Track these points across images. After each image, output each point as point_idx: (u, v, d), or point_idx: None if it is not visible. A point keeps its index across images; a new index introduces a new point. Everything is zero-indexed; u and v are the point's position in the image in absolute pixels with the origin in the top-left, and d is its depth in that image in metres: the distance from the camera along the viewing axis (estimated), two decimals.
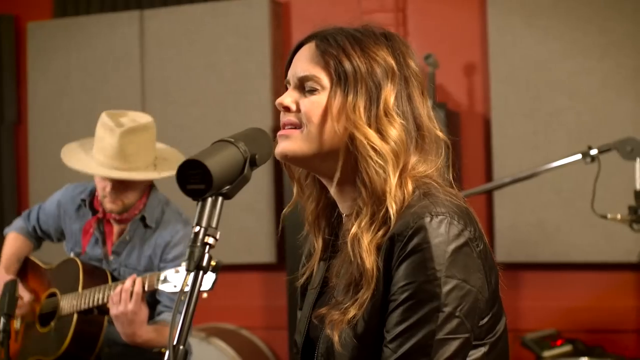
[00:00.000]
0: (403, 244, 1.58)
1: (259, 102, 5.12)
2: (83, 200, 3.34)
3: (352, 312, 1.62)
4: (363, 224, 1.65)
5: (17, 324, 3.35)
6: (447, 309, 1.55)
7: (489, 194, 4.66)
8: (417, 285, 1.56)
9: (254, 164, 1.56)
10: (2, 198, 5.70)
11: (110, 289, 3.02)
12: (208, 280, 2.80)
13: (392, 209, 1.62)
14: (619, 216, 3.37)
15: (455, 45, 4.99)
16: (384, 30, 1.76)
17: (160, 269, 3.12)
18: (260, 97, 5.12)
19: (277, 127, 4.99)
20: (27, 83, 5.60)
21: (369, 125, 1.66)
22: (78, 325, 3.13)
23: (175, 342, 1.41)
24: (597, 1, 4.63)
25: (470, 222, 1.63)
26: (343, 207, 1.77)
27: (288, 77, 1.76)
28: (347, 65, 1.68)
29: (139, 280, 2.96)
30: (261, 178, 5.00)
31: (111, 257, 3.26)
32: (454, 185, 1.74)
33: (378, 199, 1.64)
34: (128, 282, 2.96)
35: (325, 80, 1.69)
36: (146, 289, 2.95)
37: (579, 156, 3.39)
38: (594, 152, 3.37)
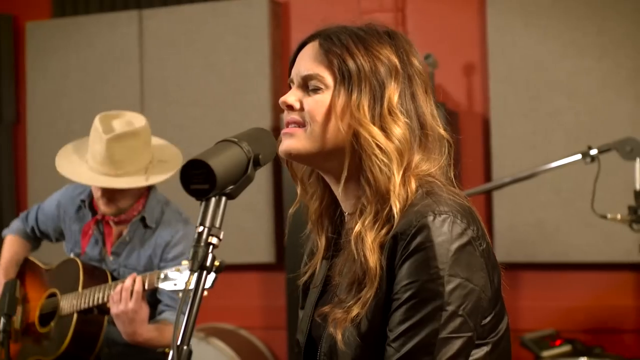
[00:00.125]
0: (406, 242, 1.58)
1: (258, 102, 5.11)
2: (83, 201, 3.34)
3: (355, 311, 1.62)
4: (367, 222, 1.65)
5: (16, 324, 3.35)
6: (450, 308, 1.55)
7: (488, 194, 4.66)
8: (420, 284, 1.56)
9: (257, 163, 1.56)
10: (1, 198, 5.69)
11: (111, 288, 3.01)
12: (208, 278, 2.79)
13: (396, 207, 1.62)
14: (618, 216, 3.37)
15: (454, 45, 4.99)
16: (388, 28, 1.76)
17: (161, 269, 3.12)
18: (260, 97, 5.12)
19: (276, 127, 5.02)
20: (25, 83, 5.60)
21: (373, 124, 1.66)
22: (78, 325, 3.13)
23: (179, 342, 1.41)
24: (596, 1, 4.63)
25: (473, 221, 1.63)
26: (346, 206, 1.77)
27: (291, 76, 1.76)
28: (351, 64, 1.68)
29: (139, 279, 2.95)
30: (260, 178, 4.99)
31: (111, 258, 3.25)
32: (455, 184, 1.74)
33: (382, 197, 1.64)
34: (128, 281, 2.95)
35: (329, 79, 1.70)
36: (146, 287, 2.95)
37: (578, 156, 3.40)
38: (593, 152, 3.38)
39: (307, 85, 1.72)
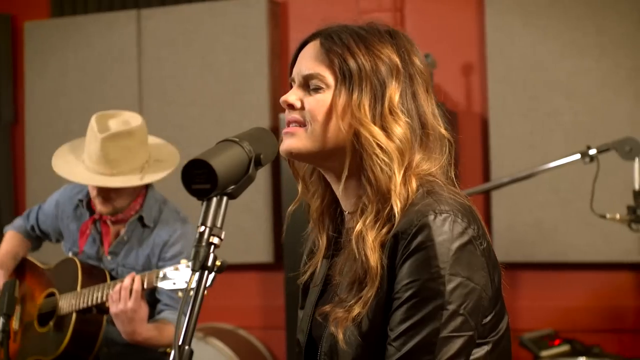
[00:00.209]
0: (407, 241, 1.58)
1: (256, 102, 5.11)
2: (80, 201, 3.34)
3: (356, 310, 1.62)
4: (368, 221, 1.65)
5: (15, 324, 3.35)
6: (451, 307, 1.55)
7: (486, 193, 4.66)
8: (421, 283, 1.56)
9: (258, 163, 1.57)
10: None
11: (109, 288, 3.02)
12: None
13: (397, 206, 1.62)
14: (617, 216, 3.37)
15: (452, 45, 4.99)
16: (389, 27, 1.76)
17: (159, 268, 3.12)
18: (258, 97, 5.12)
19: (275, 127, 5.02)
20: (24, 83, 5.59)
21: (374, 123, 1.66)
22: (77, 325, 3.12)
23: (180, 342, 1.41)
24: (595, 1, 4.63)
25: (474, 220, 1.63)
26: (346, 205, 1.77)
27: (293, 75, 1.76)
28: (352, 63, 1.68)
29: (138, 278, 2.96)
30: (259, 178, 4.93)
31: (109, 258, 3.25)
32: (456, 184, 1.74)
33: (383, 196, 1.65)
34: (127, 280, 2.96)
35: (329, 78, 1.70)
36: (145, 286, 2.95)
37: (577, 156, 3.40)
38: (592, 152, 3.38)
39: (308, 84, 1.72)
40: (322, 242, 1.84)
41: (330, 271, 1.78)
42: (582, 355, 4.15)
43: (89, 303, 3.08)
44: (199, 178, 1.48)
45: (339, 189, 1.76)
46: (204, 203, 1.49)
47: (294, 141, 1.71)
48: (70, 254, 3.34)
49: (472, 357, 1.61)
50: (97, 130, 3.14)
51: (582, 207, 3.80)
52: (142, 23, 5.32)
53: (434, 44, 4.88)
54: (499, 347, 1.67)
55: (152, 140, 3.36)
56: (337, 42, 1.70)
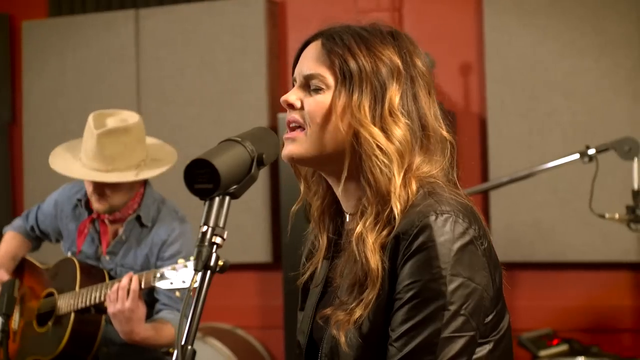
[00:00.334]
0: (408, 242, 1.58)
1: (255, 102, 5.11)
2: (79, 200, 3.34)
3: (357, 313, 1.62)
4: (368, 223, 1.65)
5: (15, 324, 3.35)
6: (452, 307, 1.55)
7: (484, 193, 4.66)
8: (422, 284, 1.56)
9: (261, 163, 1.57)
10: None
11: (107, 287, 3.01)
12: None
13: (397, 208, 1.62)
14: (617, 216, 3.38)
15: (451, 45, 4.99)
16: (392, 28, 1.75)
17: (157, 268, 3.12)
18: (257, 97, 5.11)
19: (273, 127, 5.01)
20: (22, 82, 5.59)
21: (374, 125, 1.66)
22: (75, 325, 3.12)
23: (183, 342, 1.41)
24: (593, 1, 4.63)
25: (475, 221, 1.63)
26: (347, 206, 1.77)
27: (294, 75, 1.76)
28: (352, 64, 1.68)
29: (135, 278, 2.96)
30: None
31: (107, 257, 3.25)
32: (458, 186, 1.74)
33: (383, 198, 1.64)
34: (125, 280, 2.96)
35: (330, 79, 1.70)
36: (143, 286, 2.95)
37: (576, 156, 3.40)
38: (591, 151, 3.38)
39: (309, 84, 1.72)
40: (323, 242, 1.83)
41: (330, 273, 1.78)
42: (580, 354, 4.15)
43: (87, 303, 3.08)
44: (201, 178, 1.48)
45: (339, 191, 1.76)
46: (206, 203, 1.49)
47: (294, 146, 1.72)
48: (69, 254, 3.34)
49: (474, 357, 1.61)
50: (94, 126, 3.15)
51: (581, 207, 3.80)
52: (140, 23, 5.32)
53: (433, 44, 4.88)
54: (500, 346, 1.67)
55: (150, 140, 3.37)
56: (339, 43, 1.70)
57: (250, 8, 5.14)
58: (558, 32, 4.68)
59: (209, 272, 1.46)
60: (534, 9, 4.71)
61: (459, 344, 1.56)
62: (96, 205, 3.21)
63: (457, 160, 1.79)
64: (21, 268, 3.48)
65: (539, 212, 4.67)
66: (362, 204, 1.68)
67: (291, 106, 1.73)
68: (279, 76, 5.26)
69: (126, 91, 5.31)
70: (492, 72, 4.78)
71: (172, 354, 1.29)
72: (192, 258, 2.90)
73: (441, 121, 1.74)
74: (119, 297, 2.94)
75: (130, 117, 3.24)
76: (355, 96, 1.67)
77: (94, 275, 3.20)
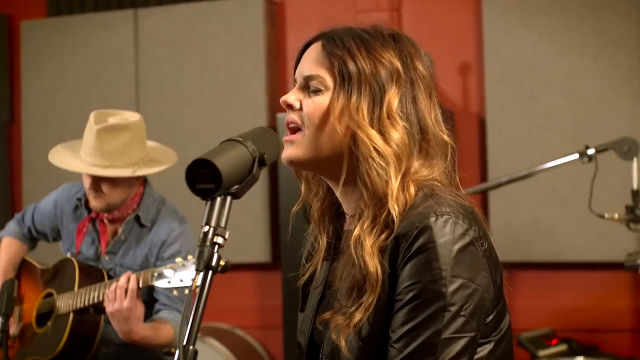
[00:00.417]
0: (408, 243, 1.58)
1: (253, 102, 5.11)
2: (79, 200, 3.34)
3: (357, 317, 1.62)
4: (365, 226, 1.65)
5: (14, 324, 3.34)
6: (452, 309, 1.55)
7: (484, 193, 4.66)
8: (422, 285, 1.56)
9: (262, 163, 1.57)
10: None
11: (106, 287, 3.01)
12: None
13: (394, 211, 1.62)
14: (616, 215, 3.38)
15: (450, 44, 5.00)
16: (393, 31, 1.75)
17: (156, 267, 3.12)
18: (255, 97, 5.11)
19: (272, 127, 5.01)
20: (20, 82, 5.58)
21: (372, 127, 1.65)
22: (74, 325, 3.12)
23: (185, 342, 1.41)
24: (593, 1, 4.63)
25: (475, 222, 1.63)
26: (347, 208, 1.77)
27: (295, 76, 1.76)
28: (352, 66, 1.68)
29: (133, 277, 2.95)
30: None
31: (106, 257, 3.25)
32: (460, 188, 1.74)
33: (380, 200, 1.64)
34: (122, 279, 2.96)
35: (329, 80, 1.69)
36: (140, 285, 2.95)
37: (576, 156, 3.40)
38: (591, 151, 3.38)
39: (309, 85, 1.72)
40: (322, 243, 1.83)
41: (330, 275, 1.78)
42: (579, 354, 4.16)
43: (86, 303, 3.08)
44: (203, 178, 1.48)
45: (338, 193, 1.76)
46: (208, 203, 1.49)
47: (292, 150, 1.72)
48: (68, 254, 3.33)
49: (474, 357, 1.61)
50: (94, 122, 3.16)
51: (580, 206, 3.80)
52: (139, 23, 5.32)
53: (432, 44, 4.88)
54: (501, 346, 1.67)
55: (152, 143, 3.37)
56: (339, 45, 1.70)
57: (249, 8, 5.14)
58: (557, 32, 4.68)
59: (210, 272, 1.45)
60: (533, 8, 4.71)
61: (459, 344, 1.56)
62: (93, 202, 3.21)
63: (457, 160, 1.79)
64: (20, 269, 3.48)
65: (538, 212, 4.67)
66: (359, 207, 1.68)
67: (290, 107, 1.73)
68: (277, 76, 5.26)
69: (125, 91, 5.31)
70: (491, 72, 4.78)
71: (173, 354, 1.29)
72: (189, 257, 2.91)
73: (442, 125, 1.74)
74: (116, 297, 2.94)
75: (132, 117, 3.25)
76: (353, 98, 1.67)
77: (93, 275, 3.20)
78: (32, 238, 3.52)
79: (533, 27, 4.71)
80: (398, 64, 1.70)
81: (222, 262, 1.46)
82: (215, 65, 5.18)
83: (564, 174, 4.41)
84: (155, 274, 2.92)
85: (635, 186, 3.32)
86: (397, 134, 1.65)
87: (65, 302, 3.16)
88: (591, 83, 4.61)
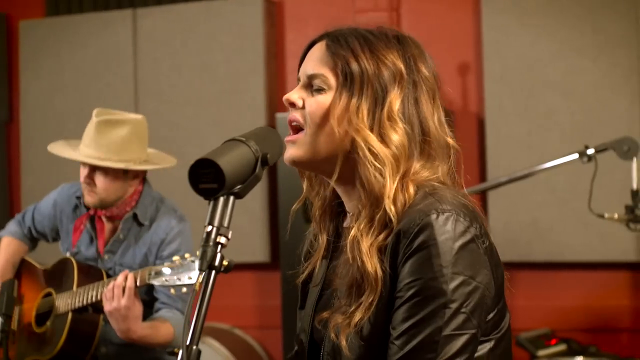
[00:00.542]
0: (409, 240, 1.58)
1: (252, 101, 5.11)
2: (78, 198, 3.34)
3: (358, 316, 1.62)
4: (362, 226, 1.65)
5: (14, 324, 3.34)
6: (453, 306, 1.55)
7: (483, 193, 4.66)
8: (423, 282, 1.56)
9: (265, 163, 1.57)
10: None
11: (104, 286, 3.01)
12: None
13: (391, 212, 1.62)
14: (616, 215, 3.38)
15: (449, 44, 5.00)
16: (398, 32, 1.76)
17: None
18: (254, 96, 5.11)
19: (271, 127, 5.01)
20: (19, 82, 5.58)
21: (371, 129, 1.66)
22: (73, 324, 3.12)
23: (188, 342, 1.42)
24: (592, 1, 4.64)
25: (476, 219, 1.63)
26: (349, 207, 1.78)
27: (299, 74, 1.77)
28: (354, 66, 1.68)
29: (131, 276, 2.96)
30: None
31: (105, 256, 3.25)
32: (464, 189, 1.75)
33: (376, 201, 1.65)
34: (120, 278, 2.96)
35: (332, 80, 1.70)
36: (138, 283, 2.95)
37: (575, 156, 3.40)
38: (590, 151, 3.38)
39: (312, 84, 1.72)
40: (322, 241, 1.84)
41: (329, 274, 1.78)
42: (578, 354, 4.16)
43: (85, 302, 3.08)
44: (206, 177, 1.48)
45: (341, 192, 1.77)
46: (211, 202, 1.50)
47: (294, 150, 1.72)
48: (67, 254, 3.33)
49: (475, 355, 1.61)
50: (95, 115, 3.18)
51: (579, 206, 3.81)
52: (137, 22, 5.32)
53: (430, 44, 4.80)
54: (501, 345, 1.68)
55: (153, 150, 3.38)
56: (343, 45, 1.70)
57: (248, 8, 5.14)
58: (556, 31, 4.68)
59: (213, 272, 1.45)
60: (532, 8, 4.72)
61: (459, 342, 1.56)
62: (87, 197, 3.21)
63: (456, 160, 1.79)
64: (20, 268, 3.48)
65: (538, 212, 4.67)
66: (357, 208, 1.69)
67: (293, 105, 1.74)
68: (276, 76, 5.26)
69: (124, 91, 5.31)
70: (490, 71, 4.78)
71: (176, 354, 1.29)
72: (187, 255, 2.91)
73: (445, 127, 1.74)
74: (114, 295, 2.94)
75: (134, 116, 3.26)
76: (354, 99, 1.67)
77: (92, 274, 3.20)
78: (32, 238, 3.52)
79: (532, 27, 4.71)
80: (401, 66, 1.70)
81: (225, 262, 1.47)
82: (214, 65, 5.18)
83: (563, 174, 4.41)
84: (153, 273, 2.92)
85: (634, 186, 3.32)
86: (396, 136, 1.66)
87: (64, 302, 3.16)
88: (590, 83, 4.62)
